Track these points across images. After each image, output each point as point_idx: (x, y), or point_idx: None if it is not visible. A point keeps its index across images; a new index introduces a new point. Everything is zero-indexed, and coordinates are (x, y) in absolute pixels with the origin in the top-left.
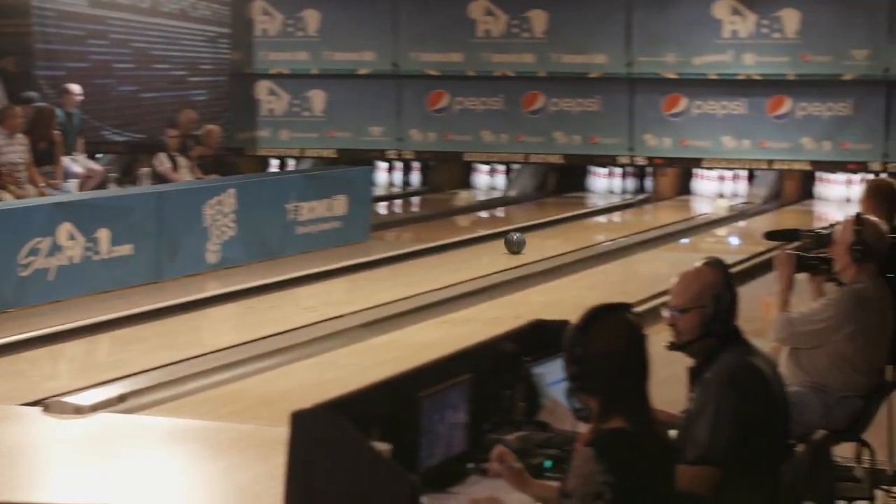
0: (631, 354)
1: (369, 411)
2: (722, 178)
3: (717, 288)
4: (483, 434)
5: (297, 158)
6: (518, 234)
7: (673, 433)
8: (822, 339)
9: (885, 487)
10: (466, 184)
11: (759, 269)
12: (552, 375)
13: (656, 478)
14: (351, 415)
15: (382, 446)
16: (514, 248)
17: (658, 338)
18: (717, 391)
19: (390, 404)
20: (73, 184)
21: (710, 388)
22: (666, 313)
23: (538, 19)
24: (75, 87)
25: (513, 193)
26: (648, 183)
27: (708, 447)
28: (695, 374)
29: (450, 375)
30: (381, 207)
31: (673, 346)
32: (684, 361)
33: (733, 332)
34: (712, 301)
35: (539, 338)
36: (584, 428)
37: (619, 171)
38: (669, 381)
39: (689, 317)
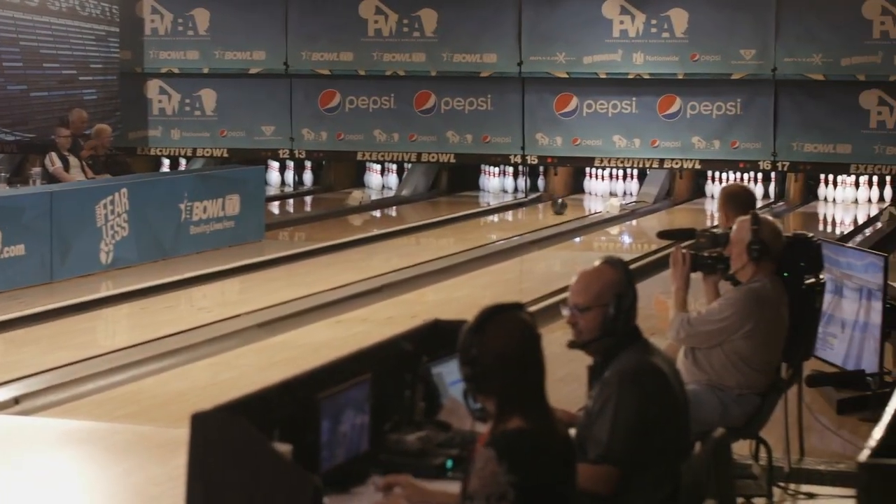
0: (526, 354)
1: (269, 413)
2: (614, 178)
3: (619, 287)
4: (384, 434)
5: (189, 158)
6: (562, 199)
7: (572, 432)
8: (720, 338)
9: (781, 484)
10: (359, 183)
11: (652, 267)
12: (452, 375)
13: (559, 476)
14: (251, 416)
15: (283, 447)
16: (558, 210)
17: (554, 336)
18: (617, 390)
19: (290, 405)
20: None
21: (611, 387)
22: (566, 311)
23: (428, 18)
24: None
25: (405, 193)
26: (541, 182)
27: (608, 446)
28: (594, 373)
29: (349, 376)
30: (274, 207)
31: (573, 345)
32: (582, 360)
33: (633, 331)
34: (614, 300)
35: (438, 337)
36: (483, 428)
37: (510, 169)
38: (567, 380)
39: (591, 315)
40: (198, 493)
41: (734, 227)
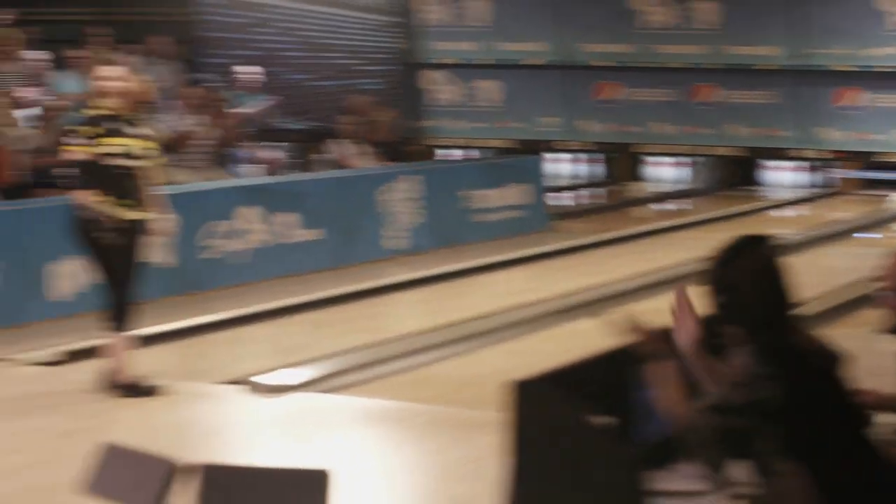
0: (775, 282)
1: (585, 385)
2: None
3: None
4: None
5: (468, 148)
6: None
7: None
8: None
9: None
10: (641, 175)
11: None
12: None
13: (822, 382)
14: (569, 388)
15: (604, 419)
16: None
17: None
18: None
19: (606, 379)
20: (257, 168)
21: None
22: (882, 296)
23: (707, 10)
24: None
25: (693, 186)
26: (823, 176)
27: None
28: None
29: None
30: (560, 197)
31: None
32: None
33: None
34: None
35: None
36: None
37: (798, 164)
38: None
39: None
40: (518, 461)
41: None
